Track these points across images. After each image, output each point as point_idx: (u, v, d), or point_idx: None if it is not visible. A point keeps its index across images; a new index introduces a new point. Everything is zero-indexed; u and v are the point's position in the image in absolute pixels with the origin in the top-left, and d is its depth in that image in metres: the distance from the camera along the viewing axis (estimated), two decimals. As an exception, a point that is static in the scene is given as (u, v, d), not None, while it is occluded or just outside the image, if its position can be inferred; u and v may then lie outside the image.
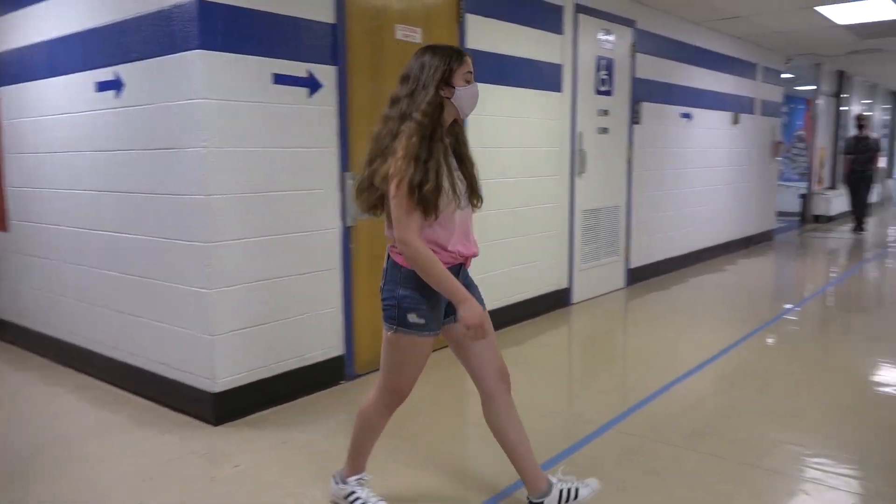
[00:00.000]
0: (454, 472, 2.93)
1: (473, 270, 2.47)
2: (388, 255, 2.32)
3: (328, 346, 3.91)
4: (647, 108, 6.76)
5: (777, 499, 2.68)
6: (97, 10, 3.71)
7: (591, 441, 3.19)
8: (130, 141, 3.62)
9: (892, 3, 6.72)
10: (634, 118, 6.58)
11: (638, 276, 6.90)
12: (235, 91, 3.34)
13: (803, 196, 12.52)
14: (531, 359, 4.55)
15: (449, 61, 2.21)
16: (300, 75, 3.61)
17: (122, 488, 2.80)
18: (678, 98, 7.36)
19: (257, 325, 3.53)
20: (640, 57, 6.57)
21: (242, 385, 3.49)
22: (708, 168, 8.16)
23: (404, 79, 2.24)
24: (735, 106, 8.62)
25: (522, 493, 2.56)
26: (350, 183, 3.87)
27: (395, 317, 2.26)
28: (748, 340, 4.87)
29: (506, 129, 5.03)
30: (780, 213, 11.40)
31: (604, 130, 6.16)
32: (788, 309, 5.95)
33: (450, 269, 2.22)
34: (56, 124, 4.12)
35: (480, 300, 2.36)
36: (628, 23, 6.36)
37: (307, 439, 3.25)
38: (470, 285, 2.37)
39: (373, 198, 2.24)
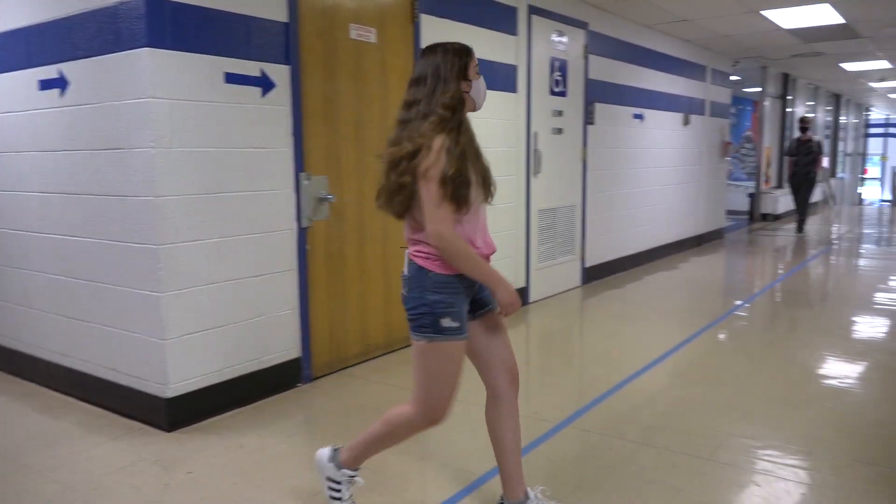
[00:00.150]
0: (436, 460, 2.93)
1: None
2: (410, 261, 2.22)
3: (285, 348, 3.86)
4: (600, 108, 6.86)
5: (729, 490, 2.74)
6: (41, 5, 3.60)
7: (548, 439, 3.22)
8: (76, 141, 3.52)
9: (834, 9, 6.96)
10: (588, 119, 6.67)
11: (593, 275, 6.99)
12: (186, 90, 3.27)
13: (752, 195, 12.88)
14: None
15: (463, 56, 2.24)
16: (253, 74, 3.56)
17: (70, 498, 2.71)
18: (630, 99, 7.48)
19: (212, 328, 3.47)
20: (592, 58, 6.66)
21: (196, 389, 3.42)
22: (660, 168, 8.32)
23: (418, 81, 2.23)
24: (686, 107, 8.81)
25: (495, 486, 2.56)
26: (305, 184, 3.83)
27: (429, 324, 2.16)
28: (701, 336, 4.98)
29: (462, 130, 5.03)
30: (730, 212, 11.71)
31: (558, 131, 6.22)
32: (739, 305, 6.10)
33: None
34: (-3, 124, 3.99)
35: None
36: (581, 25, 6.45)
37: (263, 443, 3.20)
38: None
39: (407, 200, 2.17)
